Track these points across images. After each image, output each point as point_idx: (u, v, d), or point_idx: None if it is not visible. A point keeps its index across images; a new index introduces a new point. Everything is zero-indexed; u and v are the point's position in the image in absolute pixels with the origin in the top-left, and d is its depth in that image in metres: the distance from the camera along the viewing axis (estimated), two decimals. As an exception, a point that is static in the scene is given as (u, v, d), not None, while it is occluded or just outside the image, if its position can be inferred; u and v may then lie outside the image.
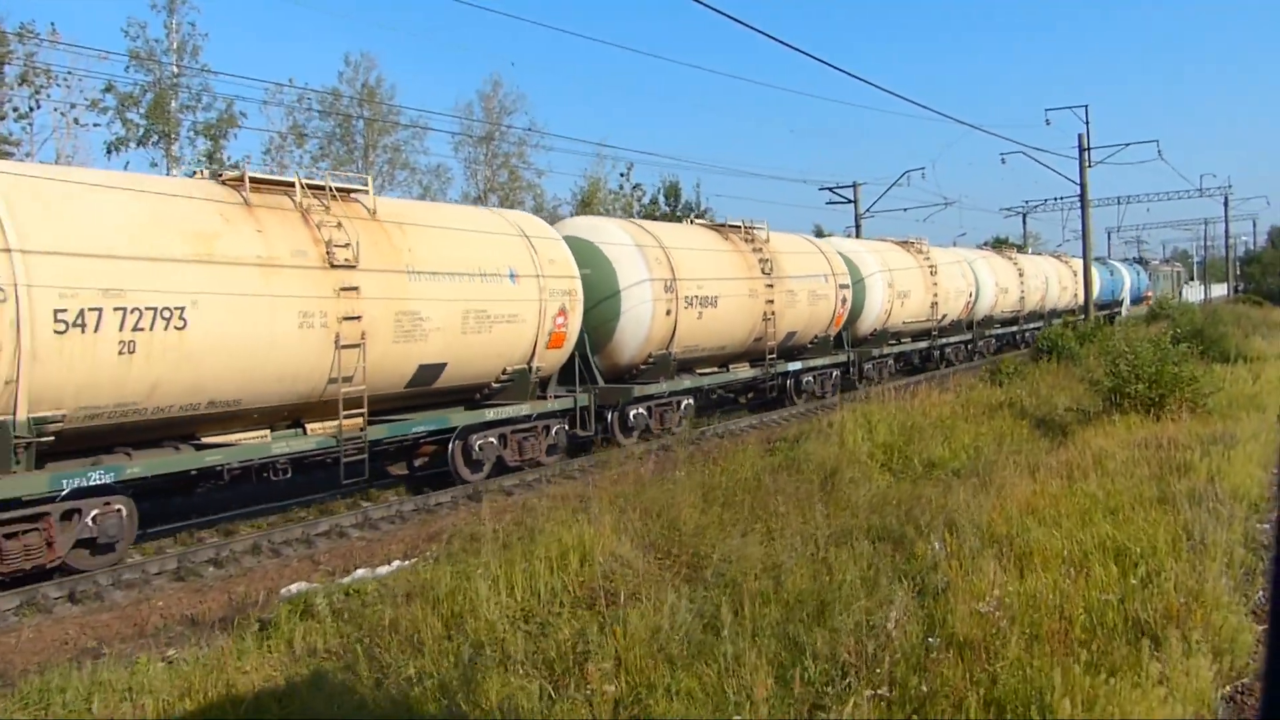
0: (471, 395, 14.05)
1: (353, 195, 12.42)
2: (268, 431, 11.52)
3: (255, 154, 30.84)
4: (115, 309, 9.20)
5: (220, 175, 11.65)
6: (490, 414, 13.62)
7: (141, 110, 27.11)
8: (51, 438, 9.00)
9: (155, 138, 27.53)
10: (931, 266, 28.22)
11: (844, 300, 22.72)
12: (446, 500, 12.97)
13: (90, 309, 9.02)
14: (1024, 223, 63.46)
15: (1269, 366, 21.30)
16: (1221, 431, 12.43)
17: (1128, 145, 34.44)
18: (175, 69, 27.92)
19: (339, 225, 11.60)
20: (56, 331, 8.81)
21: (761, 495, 9.86)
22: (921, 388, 18.49)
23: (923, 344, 28.48)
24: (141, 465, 9.74)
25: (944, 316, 29.02)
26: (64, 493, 9.15)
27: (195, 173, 12.42)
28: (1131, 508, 8.58)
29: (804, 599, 6.65)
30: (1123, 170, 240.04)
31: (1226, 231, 74.28)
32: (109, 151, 27.07)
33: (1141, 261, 69.25)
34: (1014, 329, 36.45)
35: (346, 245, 11.48)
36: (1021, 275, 36.61)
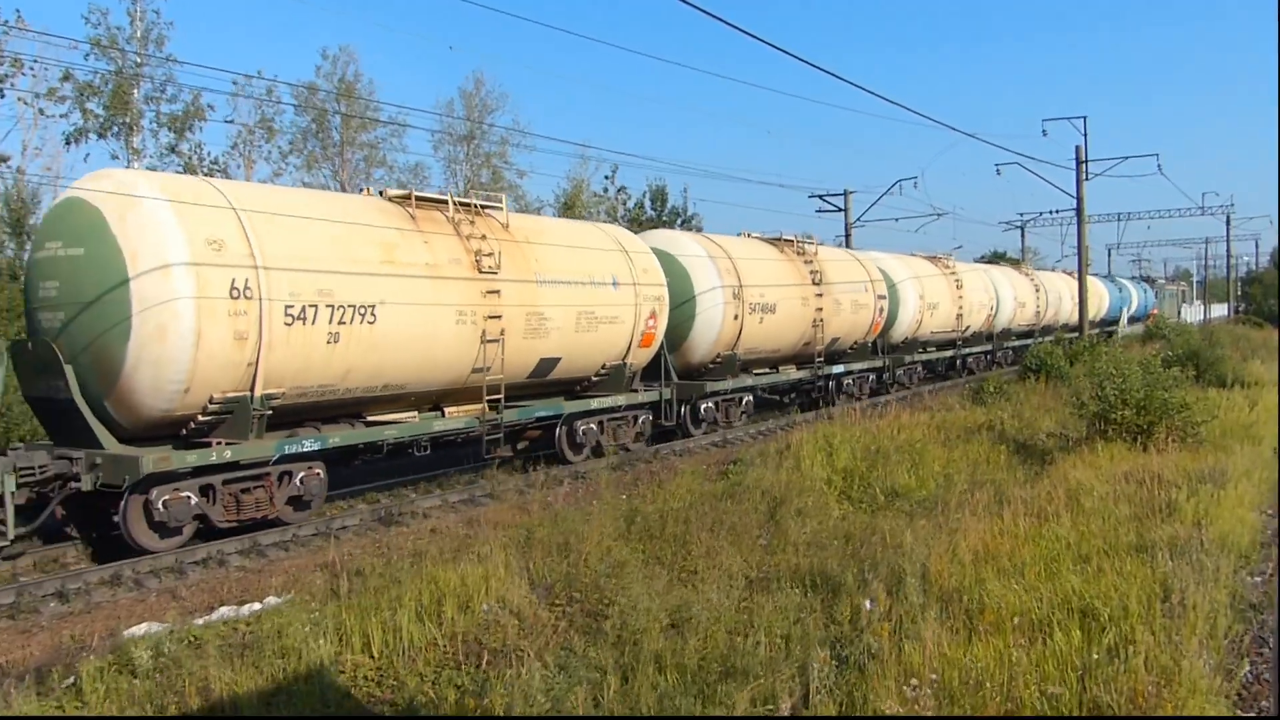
0: (573, 387, 15.98)
1: (488, 210, 14.32)
2: (416, 414, 13.41)
3: (222, 148, 29.76)
4: (326, 305, 11.14)
5: (384, 193, 13.55)
6: (594, 403, 15.61)
7: (104, 100, 25.57)
8: (271, 412, 10.90)
9: (115, 129, 26.03)
10: (957, 280, 30.17)
11: (881, 310, 24.68)
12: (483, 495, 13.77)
13: (309, 305, 10.95)
14: (1022, 237, 62.27)
15: (1267, 393, 20.27)
16: (1212, 467, 11.82)
17: (1126, 159, 35.06)
18: (138, 58, 26.55)
19: (483, 237, 13.55)
20: (285, 324, 10.74)
21: (700, 524, 9.42)
22: (892, 407, 18.96)
23: (948, 353, 30.46)
24: (340, 436, 11.72)
25: (967, 328, 30.97)
26: (276, 458, 11.07)
27: (363, 189, 14.29)
28: (1105, 555, 8.00)
29: (708, 663, 6.09)
30: (1123, 187, 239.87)
31: (1229, 251, 72.66)
32: (68, 143, 25.79)
33: (1149, 280, 71.13)
34: (1029, 340, 38.38)
35: (490, 255, 13.42)
36: (1038, 290, 38.53)
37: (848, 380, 24.07)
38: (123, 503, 10.01)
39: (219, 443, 10.47)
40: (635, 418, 16.77)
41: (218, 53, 70.10)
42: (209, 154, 28.14)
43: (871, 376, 25.39)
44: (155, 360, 9.90)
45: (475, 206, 14.05)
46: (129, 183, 10.37)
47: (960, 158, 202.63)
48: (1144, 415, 13.97)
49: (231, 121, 30.36)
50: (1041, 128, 33.99)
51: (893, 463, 13.26)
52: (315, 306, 11.07)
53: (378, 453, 13.00)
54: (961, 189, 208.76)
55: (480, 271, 13.28)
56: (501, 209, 14.55)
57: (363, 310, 11.60)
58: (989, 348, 33.80)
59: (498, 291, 13.45)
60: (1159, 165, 40.23)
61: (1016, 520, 9.30)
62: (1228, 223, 63.94)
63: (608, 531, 9.25)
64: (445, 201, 13.71)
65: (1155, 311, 59.82)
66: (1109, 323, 47.44)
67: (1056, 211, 45.45)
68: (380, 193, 13.70)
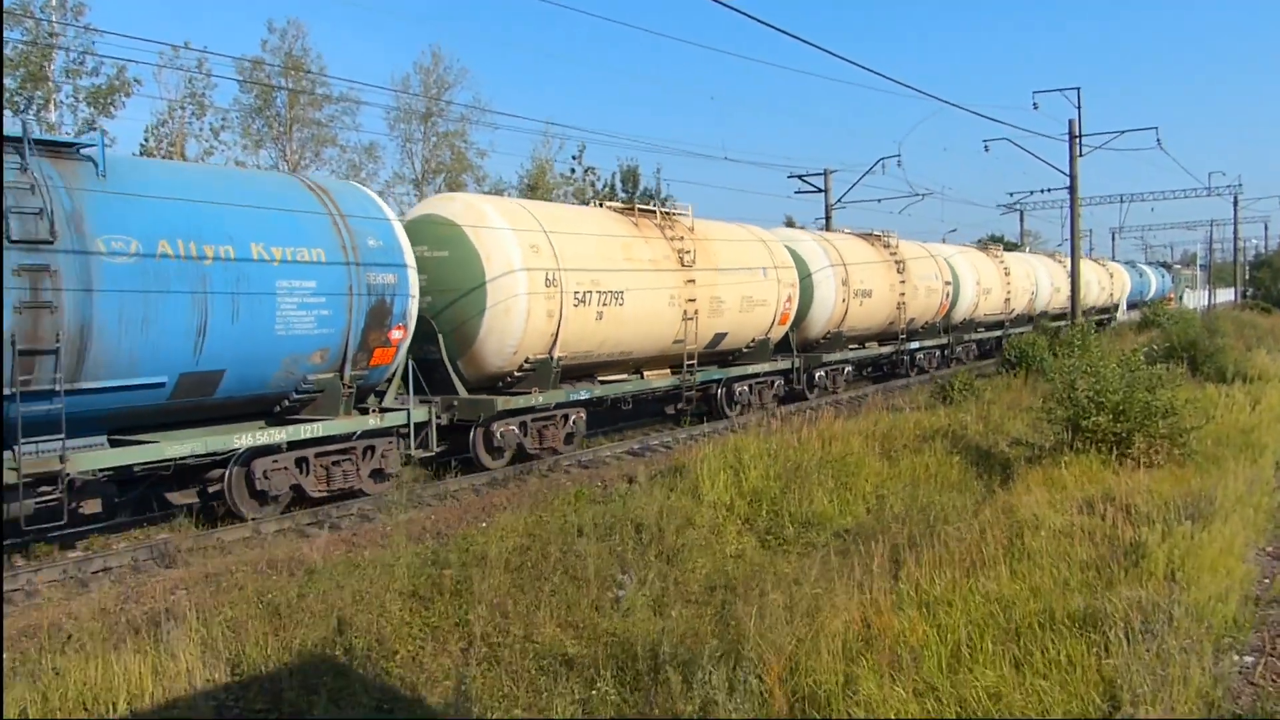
0: (727, 357, 19.93)
1: (680, 217, 18.25)
2: (625, 375, 17.41)
3: (146, 123, 28.84)
4: (595, 292, 15.13)
5: (604, 204, 17.50)
6: (750, 369, 19.70)
7: (16, 75, 23.48)
8: (559, 370, 14.91)
9: (26, 104, 23.83)
10: (1006, 268, 34.07)
11: (947, 294, 28.63)
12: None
13: (586, 292, 14.93)
14: (1021, 220, 59.03)
15: (1271, 389, 18.21)
16: (1198, 492, 9.68)
17: (1123, 133, 31.59)
18: (53, 27, 24.25)
19: (680, 238, 17.51)
20: (573, 305, 14.74)
21: (538, 572, 8.08)
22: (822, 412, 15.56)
23: (996, 333, 34.47)
24: (603, 390, 15.74)
25: (1013, 310, 34.90)
26: (564, 402, 15.11)
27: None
28: (1042, 628, 6.24)
29: None
30: (1125, 169, 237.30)
31: (1236, 233, 69.81)
32: None
33: (1165, 265, 74.69)
34: (1063, 323, 42.01)
35: (688, 252, 17.40)
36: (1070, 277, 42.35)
37: (920, 355, 28.10)
38: (472, 434, 14.06)
39: (534, 390, 14.48)
40: (773, 381, 20.81)
41: (151, 24, 65.16)
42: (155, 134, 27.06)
43: (937, 352, 29.39)
44: (500, 332, 13.92)
45: (672, 214, 18.00)
46: (477, 204, 14.37)
47: (947, 136, 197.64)
48: (1122, 422, 11.64)
49: (167, 99, 28.32)
50: (1032, 100, 30.78)
51: (814, 482, 11.26)
52: (590, 293, 15.06)
53: (601, 405, 17.01)
54: (949, 168, 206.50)
55: (682, 265, 17.26)
56: (688, 215, 18.49)
57: (616, 295, 15.59)
58: (1029, 329, 37.73)
59: (693, 280, 17.43)
60: (1158, 139, 34.37)
61: (938, 570, 7.43)
62: (1235, 204, 61.51)
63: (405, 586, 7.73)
64: (654, 212, 17.69)
65: (1171, 296, 63.06)
66: (1132, 307, 50.61)
67: (1048, 190, 42.56)
68: (600, 204, 17.66)
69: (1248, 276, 79.65)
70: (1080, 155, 30.03)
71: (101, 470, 9.78)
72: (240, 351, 10.51)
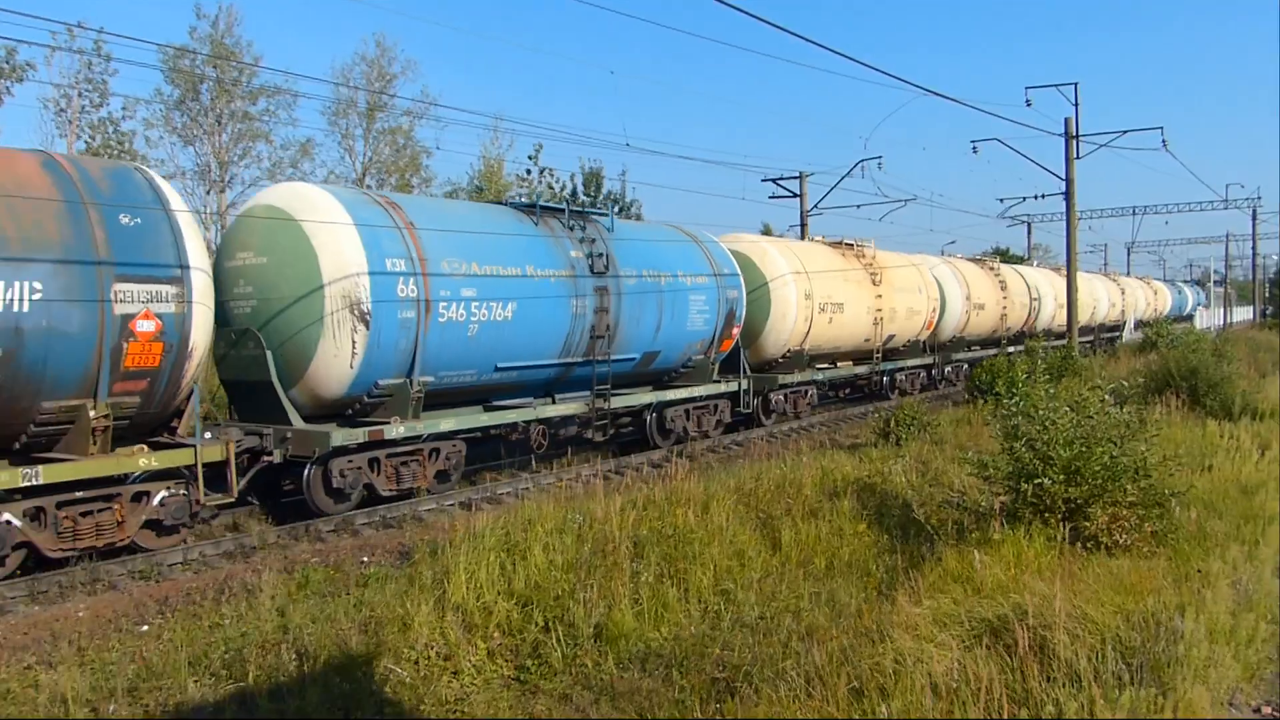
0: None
1: (865, 246, 24.49)
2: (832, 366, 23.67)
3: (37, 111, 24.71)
4: (832, 304, 21.39)
5: (816, 239, 23.76)
6: (909, 363, 25.92)
7: None
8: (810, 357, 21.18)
9: None
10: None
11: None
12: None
13: (829, 304, 21.18)
14: (1029, 233, 55.58)
15: None
16: (1168, 608, 6.51)
17: (1126, 132, 28.84)
18: None
19: (870, 263, 23.74)
20: (820, 313, 20.99)
21: None
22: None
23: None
24: (822, 375, 22.01)
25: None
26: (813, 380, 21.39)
27: (814, 238, 24.52)
28: None
29: None
30: (1138, 184, 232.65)
31: (1255, 248, 66.17)
32: None
33: (1199, 283, 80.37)
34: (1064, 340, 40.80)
35: (876, 274, 23.66)
36: (1123, 293, 46.93)
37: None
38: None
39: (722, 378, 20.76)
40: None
41: (61, 7, 59.92)
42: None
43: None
44: (776, 331, 20.24)
45: (860, 246, 24.26)
46: (769, 250, 20.69)
47: (929, 135, 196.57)
48: (1078, 485, 8.75)
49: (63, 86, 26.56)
50: (1025, 97, 27.75)
51: (622, 572, 7.88)
52: (830, 303, 21.31)
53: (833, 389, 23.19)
54: (939, 174, 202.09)
55: (874, 284, 23.50)
56: (871, 245, 24.73)
57: (838, 305, 21.82)
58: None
59: (881, 295, 23.67)
60: (1164, 140, 30.54)
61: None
62: (1254, 216, 59.21)
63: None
64: (853, 245, 23.97)
65: (1204, 309, 68.20)
66: (1174, 319, 50.41)
67: (1042, 196, 35.86)
68: (815, 239, 23.93)
69: (1267, 294, 76.43)
70: (1078, 157, 28.10)
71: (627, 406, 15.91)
72: (670, 338, 16.80)
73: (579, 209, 15.96)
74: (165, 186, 10.41)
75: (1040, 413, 9.34)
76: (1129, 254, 67.79)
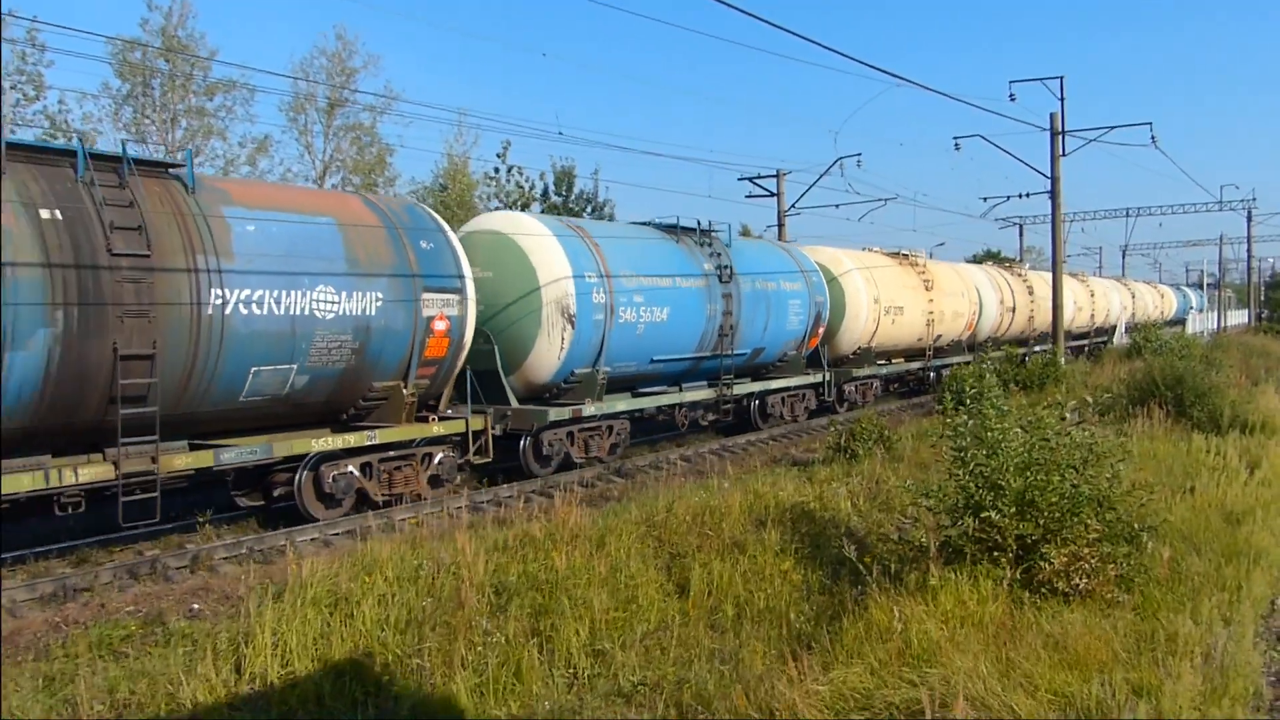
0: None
1: (916, 255, 27.54)
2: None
3: None
4: (896, 307, 24.51)
5: (875, 249, 26.82)
6: (952, 360, 29.02)
7: None
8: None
9: None
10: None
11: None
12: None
13: (894, 308, 24.28)
14: (1020, 235, 55.31)
15: (1277, 447, 14.08)
16: (1119, 693, 5.38)
17: (1114, 128, 28.11)
18: None
19: (921, 271, 26.82)
20: (885, 317, 24.06)
21: None
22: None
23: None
24: (886, 369, 25.13)
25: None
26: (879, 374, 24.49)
27: (872, 249, 27.52)
28: None
29: None
30: (1132, 186, 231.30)
31: (1250, 251, 64.19)
32: None
33: (1201, 286, 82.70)
34: (1084, 341, 42.95)
35: (928, 280, 26.73)
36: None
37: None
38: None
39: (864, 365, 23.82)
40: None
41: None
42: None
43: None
44: (848, 331, 23.33)
45: (914, 255, 27.33)
46: (843, 262, 23.79)
47: (908, 132, 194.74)
48: (1030, 521, 7.39)
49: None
50: (1009, 92, 27.09)
51: (472, 630, 6.63)
52: (895, 307, 24.40)
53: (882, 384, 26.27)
54: (921, 172, 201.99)
55: (927, 291, 26.59)
56: (923, 255, 27.79)
57: (900, 308, 24.89)
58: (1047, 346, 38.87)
59: (932, 299, 26.76)
60: (1153, 136, 29.98)
61: None
62: (1249, 218, 57.67)
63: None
64: (908, 255, 27.04)
65: (1196, 313, 71.21)
66: (1176, 321, 54.13)
67: (1026, 195, 34.38)
68: (866, 248, 27.01)
69: (1263, 297, 74.78)
70: (1064, 154, 27.72)
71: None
72: (773, 336, 19.86)
73: (706, 228, 18.74)
74: (439, 218, 13.40)
75: (989, 434, 7.88)
76: (1124, 257, 67.43)
